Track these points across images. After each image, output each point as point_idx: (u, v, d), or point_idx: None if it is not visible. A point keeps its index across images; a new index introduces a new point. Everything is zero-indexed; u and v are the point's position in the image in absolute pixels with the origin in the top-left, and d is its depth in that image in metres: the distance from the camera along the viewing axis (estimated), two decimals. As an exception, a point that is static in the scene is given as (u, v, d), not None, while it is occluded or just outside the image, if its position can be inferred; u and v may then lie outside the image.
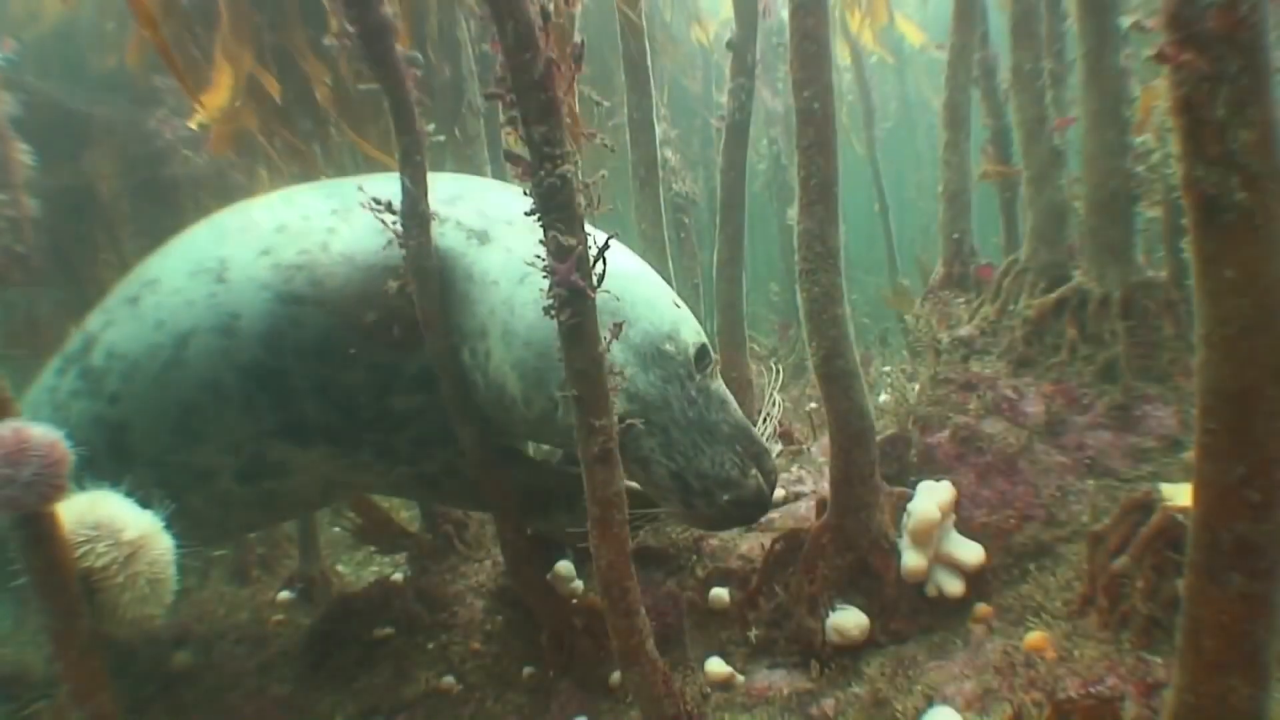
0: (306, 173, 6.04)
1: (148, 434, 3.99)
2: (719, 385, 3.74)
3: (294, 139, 6.07)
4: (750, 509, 3.60)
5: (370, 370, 3.84)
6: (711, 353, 3.73)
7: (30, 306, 6.95)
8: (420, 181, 3.54)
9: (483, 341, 3.75)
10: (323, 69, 5.98)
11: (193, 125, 5.55)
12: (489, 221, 3.89)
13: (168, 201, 7.43)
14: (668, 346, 3.53)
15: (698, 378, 3.59)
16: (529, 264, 2.83)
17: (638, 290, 3.64)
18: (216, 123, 5.51)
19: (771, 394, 4.33)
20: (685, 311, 3.78)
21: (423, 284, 3.63)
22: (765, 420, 4.12)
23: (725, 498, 3.51)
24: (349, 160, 6.61)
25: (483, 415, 3.94)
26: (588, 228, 3.61)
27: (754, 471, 3.57)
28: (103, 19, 7.22)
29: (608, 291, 2.89)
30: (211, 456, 4.02)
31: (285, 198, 4.20)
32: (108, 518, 2.78)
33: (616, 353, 3.42)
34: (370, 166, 6.11)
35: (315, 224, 3.89)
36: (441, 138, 4.47)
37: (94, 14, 7.26)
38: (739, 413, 3.72)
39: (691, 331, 3.68)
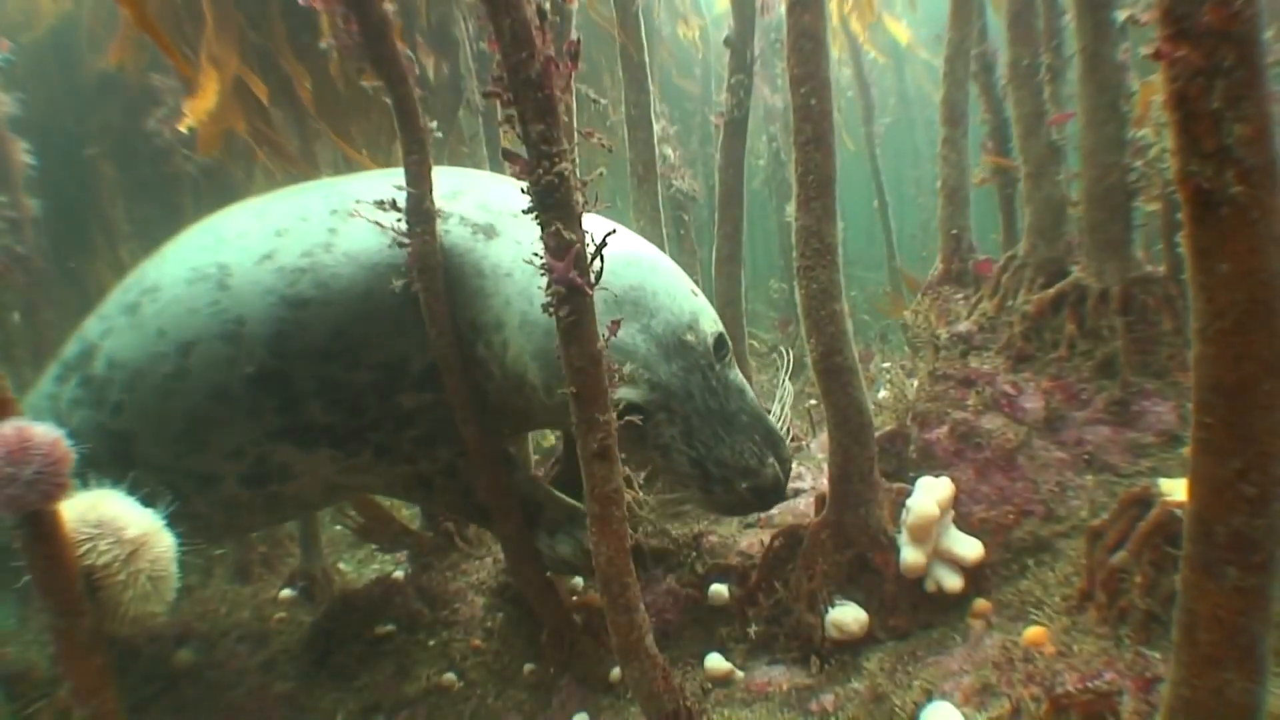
0: (301, 171, 6.06)
1: (152, 442, 3.98)
2: (736, 374, 3.75)
3: (279, 139, 6.09)
4: (768, 496, 3.61)
5: (376, 369, 3.85)
6: (729, 342, 3.73)
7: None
8: (424, 178, 3.55)
9: (498, 334, 3.75)
10: (303, 69, 5.99)
11: (183, 129, 5.57)
12: (493, 215, 3.89)
13: (166, 200, 7.47)
14: (688, 337, 3.53)
15: (717, 367, 3.60)
16: (526, 261, 2.84)
17: (657, 280, 3.64)
18: (203, 124, 5.53)
19: (783, 381, 4.34)
20: (703, 300, 3.78)
21: (428, 281, 3.64)
22: (780, 408, 4.13)
23: (744, 485, 3.53)
24: (340, 159, 6.64)
25: (495, 408, 3.96)
26: (601, 219, 3.63)
27: (771, 460, 3.58)
28: (96, 22, 7.25)
29: (605, 289, 2.89)
30: (216, 462, 4.02)
31: (280, 200, 4.20)
32: (110, 516, 2.79)
33: (640, 343, 3.44)
34: (354, 165, 6.15)
35: (315, 225, 3.88)
36: (440, 134, 4.49)
37: (89, 18, 7.29)
38: (755, 401, 3.73)
39: (710, 321, 3.69)
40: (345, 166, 6.39)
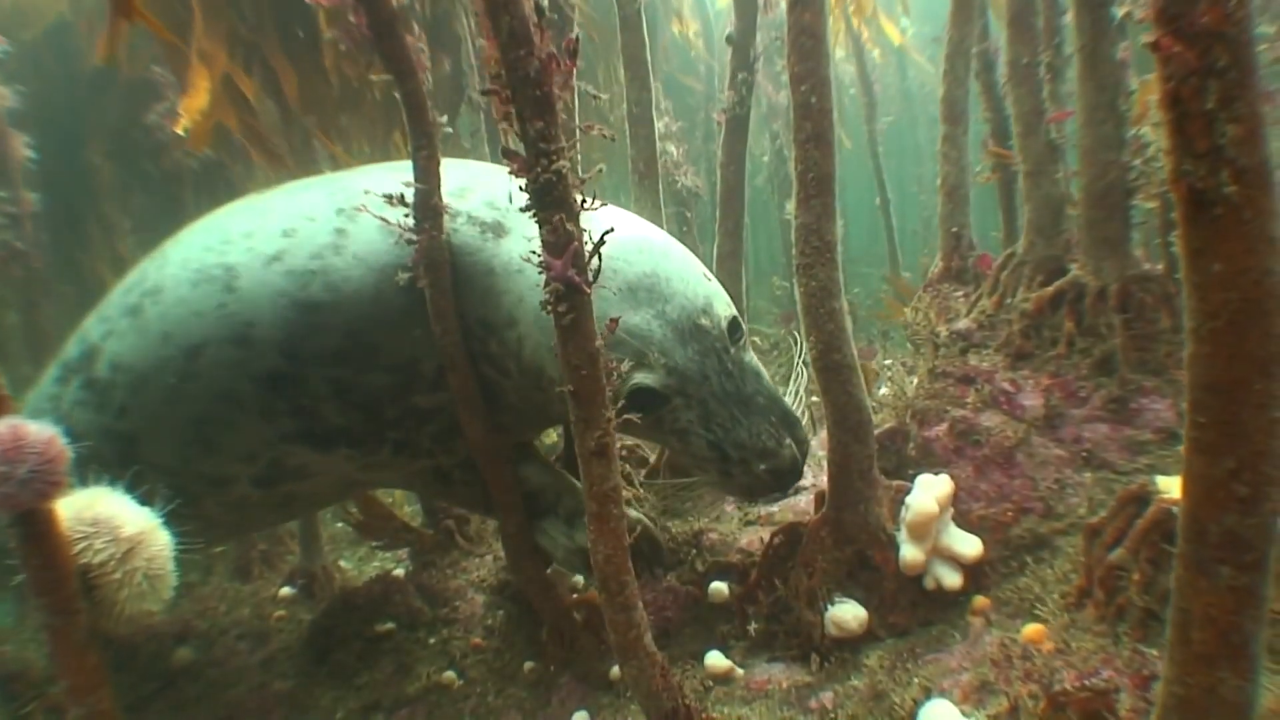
0: (293, 167, 6.07)
1: (160, 445, 3.95)
2: (751, 357, 3.75)
3: (269, 136, 6.09)
4: (786, 477, 3.61)
5: (390, 371, 3.81)
6: (742, 325, 3.74)
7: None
8: (432, 174, 3.53)
9: (512, 330, 3.72)
10: (289, 65, 5.99)
11: (180, 131, 5.55)
12: (500, 212, 3.84)
13: (167, 194, 7.49)
14: (703, 321, 3.52)
15: (732, 350, 3.59)
16: (524, 259, 2.83)
17: (670, 266, 3.63)
18: (193, 120, 5.53)
19: (797, 363, 4.35)
20: (716, 285, 3.77)
21: (435, 278, 3.62)
22: (796, 389, 4.13)
23: (762, 467, 3.54)
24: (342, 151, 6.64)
25: (514, 406, 3.94)
26: (617, 211, 3.62)
27: (788, 441, 3.58)
28: (94, 17, 7.28)
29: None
30: (228, 465, 3.99)
31: (284, 197, 4.13)
32: (106, 514, 2.78)
33: (655, 329, 3.43)
34: (346, 160, 6.15)
35: (322, 225, 3.82)
36: (450, 129, 4.49)
37: (87, 13, 7.31)
38: (771, 384, 3.73)
39: (723, 305, 3.68)
40: (345, 160, 6.39)
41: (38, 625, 2.65)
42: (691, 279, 3.64)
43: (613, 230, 2.74)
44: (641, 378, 3.39)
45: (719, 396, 3.52)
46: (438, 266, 3.61)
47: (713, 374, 3.51)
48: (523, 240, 3.69)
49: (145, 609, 2.81)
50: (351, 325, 3.73)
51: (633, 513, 4.25)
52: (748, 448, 3.54)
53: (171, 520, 2.97)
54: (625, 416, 2.94)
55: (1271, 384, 1.77)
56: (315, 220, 3.84)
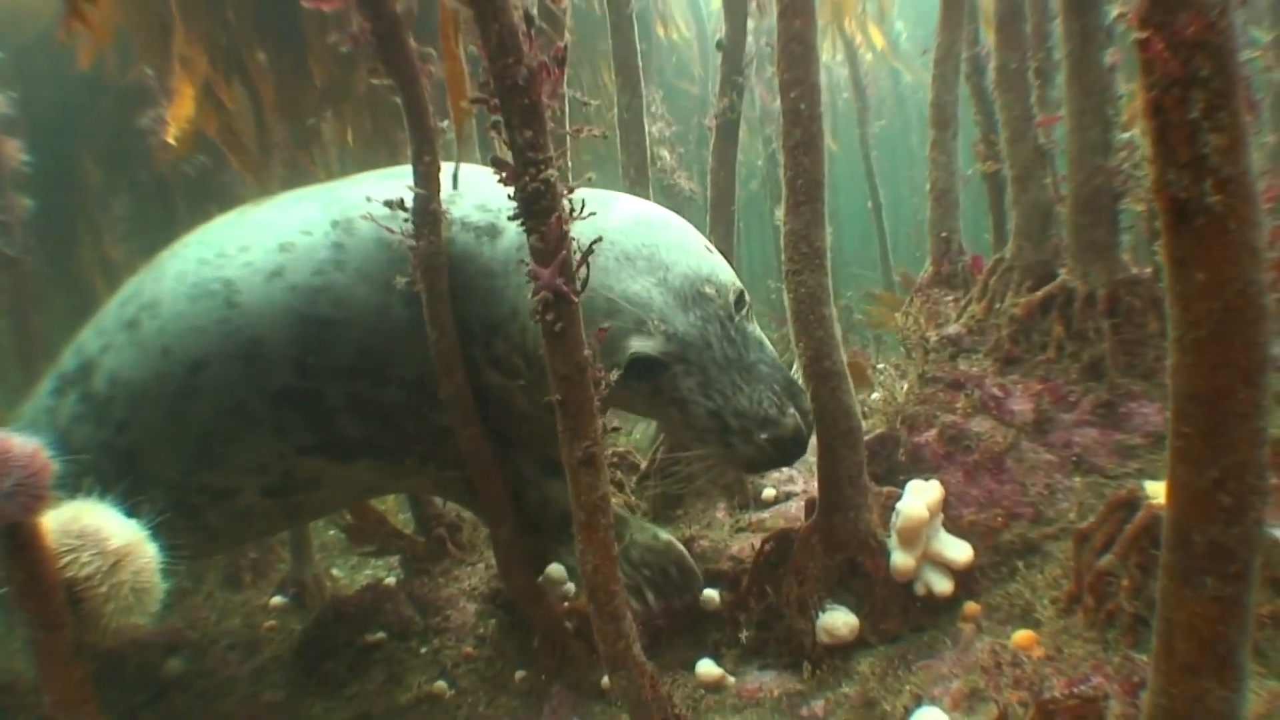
0: (288, 170, 6.06)
1: (162, 459, 3.93)
2: (755, 327, 3.69)
3: (250, 142, 6.10)
4: (790, 446, 3.49)
5: (404, 387, 3.81)
6: (748, 297, 3.70)
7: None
8: (432, 180, 3.53)
9: (515, 321, 3.70)
10: (271, 67, 5.99)
11: (170, 140, 5.54)
12: (494, 214, 3.83)
13: (160, 200, 7.48)
14: (707, 289, 3.47)
15: (736, 318, 3.54)
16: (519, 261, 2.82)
17: (670, 237, 3.61)
18: (182, 129, 5.52)
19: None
20: (719, 258, 3.74)
21: (432, 281, 3.61)
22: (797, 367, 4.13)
23: (764, 436, 3.42)
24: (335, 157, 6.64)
25: (526, 414, 3.91)
26: (610, 192, 3.61)
27: (791, 410, 3.48)
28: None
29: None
30: (235, 477, 3.98)
31: (277, 209, 4.11)
32: (93, 527, 2.76)
33: (655, 296, 3.40)
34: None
35: (319, 239, 3.80)
36: (453, 136, 4.49)
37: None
38: (774, 354, 3.67)
39: (729, 275, 3.64)
40: (324, 167, 6.39)
41: (24, 637, 2.64)
42: (693, 250, 3.62)
43: (600, 239, 2.74)
44: (639, 345, 3.35)
45: (720, 363, 3.44)
46: (435, 272, 3.60)
47: (714, 340, 3.43)
48: (517, 235, 3.66)
49: (132, 622, 2.79)
50: (361, 340, 3.72)
51: (663, 534, 4.21)
52: (748, 416, 3.43)
53: (170, 531, 2.95)
54: (614, 417, 2.93)
55: (1255, 393, 1.76)
56: (312, 234, 3.82)
